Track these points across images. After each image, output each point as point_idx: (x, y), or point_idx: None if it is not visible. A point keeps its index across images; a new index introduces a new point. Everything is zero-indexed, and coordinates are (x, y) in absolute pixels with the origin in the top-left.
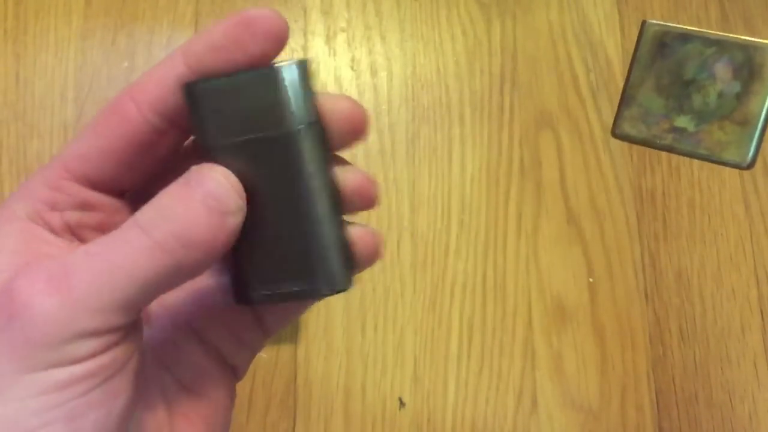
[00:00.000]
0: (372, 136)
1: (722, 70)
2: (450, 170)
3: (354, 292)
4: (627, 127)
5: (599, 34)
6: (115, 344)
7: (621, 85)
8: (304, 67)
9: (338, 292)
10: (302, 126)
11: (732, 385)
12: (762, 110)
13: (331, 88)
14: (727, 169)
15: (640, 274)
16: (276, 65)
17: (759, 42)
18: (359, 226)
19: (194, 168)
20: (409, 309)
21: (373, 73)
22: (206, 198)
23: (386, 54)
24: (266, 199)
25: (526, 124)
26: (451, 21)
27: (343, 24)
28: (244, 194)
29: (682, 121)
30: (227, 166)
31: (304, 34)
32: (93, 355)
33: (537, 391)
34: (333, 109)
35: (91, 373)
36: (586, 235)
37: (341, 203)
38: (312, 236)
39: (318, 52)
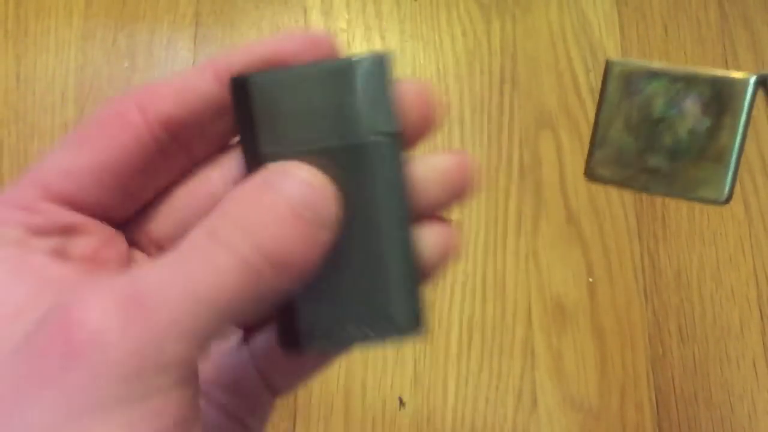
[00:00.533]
0: None
1: (691, 106)
2: None
3: None
4: (600, 170)
5: (599, 35)
6: (190, 382)
7: None
8: (384, 62)
9: (409, 336)
10: (378, 137)
11: (731, 385)
12: (734, 145)
13: None
14: None
15: (639, 274)
16: (351, 58)
17: (725, 76)
18: (441, 228)
19: (273, 166)
20: None
21: None
22: (297, 205)
23: None
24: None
25: (526, 124)
26: (451, 21)
27: (343, 24)
28: (340, 200)
29: (656, 161)
30: None
31: None
32: (173, 391)
33: (537, 391)
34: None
35: (169, 414)
36: (586, 235)
37: (412, 228)
38: (383, 273)
39: None
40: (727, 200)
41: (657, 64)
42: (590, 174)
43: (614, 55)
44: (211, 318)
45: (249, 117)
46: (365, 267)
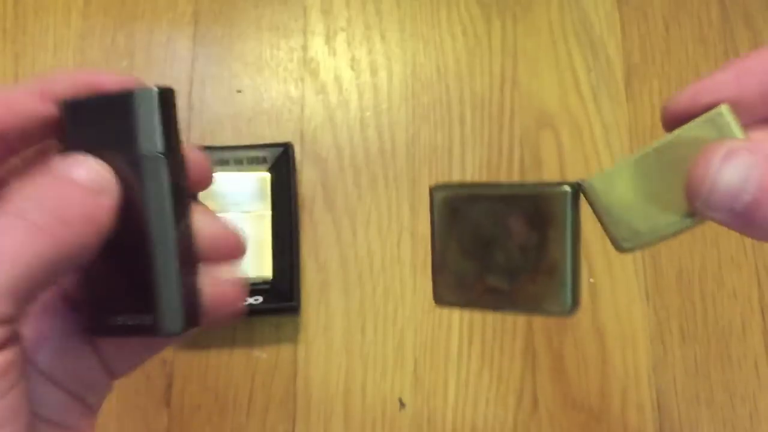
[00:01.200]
0: (372, 136)
1: (516, 224)
2: (450, 170)
3: (354, 292)
4: (446, 295)
5: (600, 34)
6: (8, 341)
7: (621, 84)
8: (156, 96)
9: (170, 335)
10: (151, 153)
11: (733, 386)
12: (565, 256)
13: (331, 87)
14: None
15: (640, 274)
16: (132, 91)
17: (542, 190)
18: (219, 277)
19: (55, 157)
20: (409, 309)
21: (373, 72)
22: (76, 179)
23: (386, 53)
24: (117, 224)
25: (526, 124)
26: (451, 20)
27: (343, 23)
28: (113, 177)
29: (495, 281)
30: None
31: (304, 34)
32: None
33: (537, 392)
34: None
35: None
36: (586, 235)
37: (193, 247)
38: (152, 271)
39: (318, 51)
40: (573, 310)
41: (476, 188)
42: (438, 300)
43: (615, 54)
44: (16, 274)
45: (69, 128)
46: (141, 265)
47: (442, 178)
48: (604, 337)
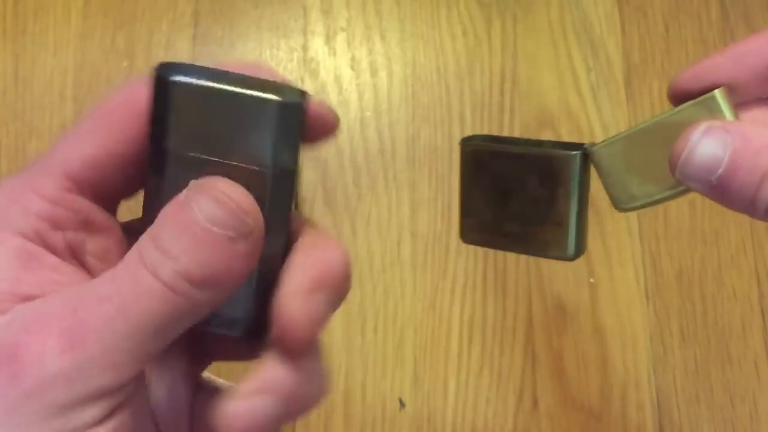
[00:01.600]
0: (372, 136)
1: (530, 180)
2: (450, 170)
3: (354, 292)
4: (470, 235)
5: (600, 34)
6: (125, 404)
7: (621, 84)
8: (303, 107)
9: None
10: (278, 170)
11: (733, 385)
12: (571, 211)
13: (331, 87)
14: None
15: (640, 274)
16: (276, 97)
17: (554, 152)
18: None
19: (193, 183)
20: (409, 309)
21: (373, 72)
22: (209, 222)
23: (386, 53)
24: None
25: (527, 123)
26: (451, 20)
27: (343, 23)
28: (256, 209)
29: (510, 226)
30: (177, 180)
31: (304, 34)
32: (103, 419)
33: (537, 391)
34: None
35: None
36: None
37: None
38: (252, 287)
39: (318, 51)
40: (576, 256)
41: (499, 145)
42: (464, 239)
43: (615, 53)
44: (143, 338)
45: (165, 111)
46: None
47: (442, 178)
48: (604, 337)
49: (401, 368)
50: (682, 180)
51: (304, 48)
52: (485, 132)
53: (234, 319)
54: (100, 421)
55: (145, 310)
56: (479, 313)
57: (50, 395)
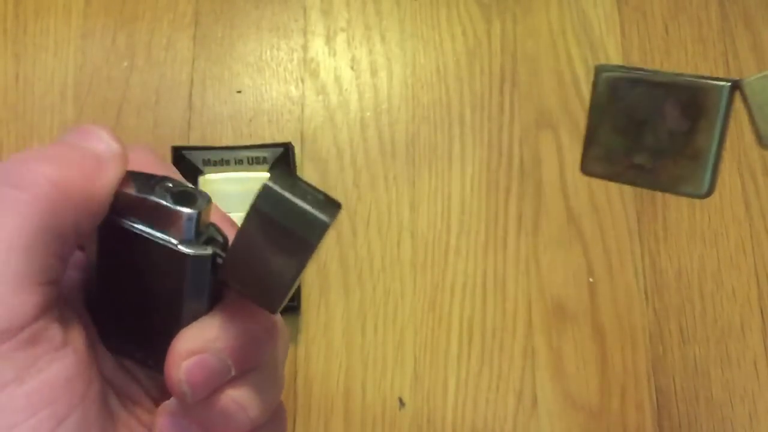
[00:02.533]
0: (372, 136)
1: (670, 110)
2: (450, 170)
3: (354, 292)
4: (593, 166)
5: (599, 34)
6: (37, 337)
7: None
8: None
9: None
10: (199, 255)
11: (732, 385)
12: (711, 146)
13: (331, 87)
14: (727, 168)
15: (640, 273)
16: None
17: (702, 82)
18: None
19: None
20: (409, 309)
21: (373, 72)
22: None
23: (386, 54)
24: (141, 283)
25: (526, 124)
26: (451, 21)
27: (343, 24)
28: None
29: (640, 158)
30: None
31: (304, 34)
32: (20, 354)
33: (537, 391)
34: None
35: (20, 376)
36: (586, 235)
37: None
38: (163, 331)
39: (318, 51)
40: (708, 194)
41: (639, 72)
42: (584, 169)
43: (615, 54)
44: (20, 266)
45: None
46: (157, 323)
47: (442, 179)
48: (604, 337)
49: (401, 368)
50: None
51: (304, 48)
52: (484, 132)
53: (146, 357)
54: (25, 371)
55: (4, 231)
56: (479, 313)
57: None
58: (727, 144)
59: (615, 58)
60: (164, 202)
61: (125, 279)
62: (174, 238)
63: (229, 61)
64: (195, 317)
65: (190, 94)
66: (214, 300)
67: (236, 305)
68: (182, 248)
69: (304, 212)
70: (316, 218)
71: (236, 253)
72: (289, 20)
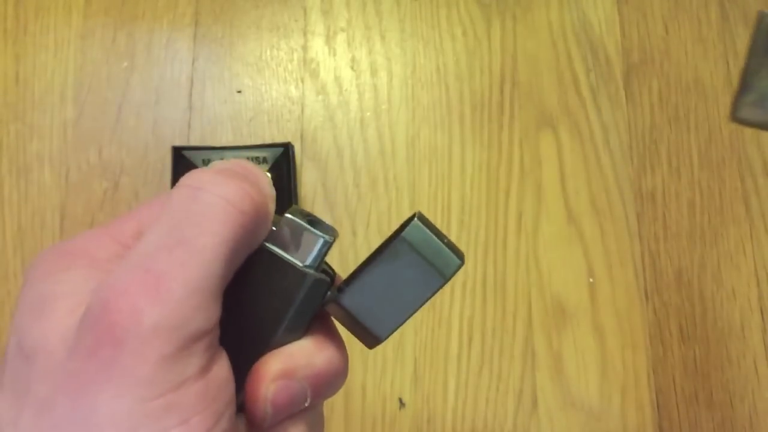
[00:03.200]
0: (372, 136)
1: None
2: (450, 170)
3: None
4: (745, 112)
5: (599, 34)
6: (220, 353)
7: (621, 84)
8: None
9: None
10: (318, 276)
11: (732, 385)
12: None
13: (331, 88)
14: (727, 169)
15: (640, 274)
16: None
17: None
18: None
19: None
20: None
21: (373, 72)
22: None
23: (386, 54)
24: (253, 297)
25: (526, 124)
26: (451, 21)
27: (343, 24)
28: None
29: None
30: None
31: (304, 34)
32: (206, 366)
33: (537, 391)
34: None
35: (202, 374)
36: (586, 235)
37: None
38: (252, 349)
39: (318, 51)
40: None
41: None
42: (735, 116)
43: (614, 54)
44: (217, 275)
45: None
46: (249, 336)
47: (442, 179)
48: (604, 337)
49: (401, 368)
50: None
51: (305, 48)
52: (484, 132)
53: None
54: (205, 368)
55: (214, 238)
56: (479, 313)
57: (156, 348)
58: (727, 144)
59: (615, 58)
60: (305, 224)
61: (239, 293)
62: (299, 260)
63: (229, 61)
64: (287, 341)
65: (190, 94)
66: (307, 329)
67: (325, 338)
68: (305, 270)
69: (443, 251)
70: (452, 258)
71: (365, 278)
72: (289, 20)
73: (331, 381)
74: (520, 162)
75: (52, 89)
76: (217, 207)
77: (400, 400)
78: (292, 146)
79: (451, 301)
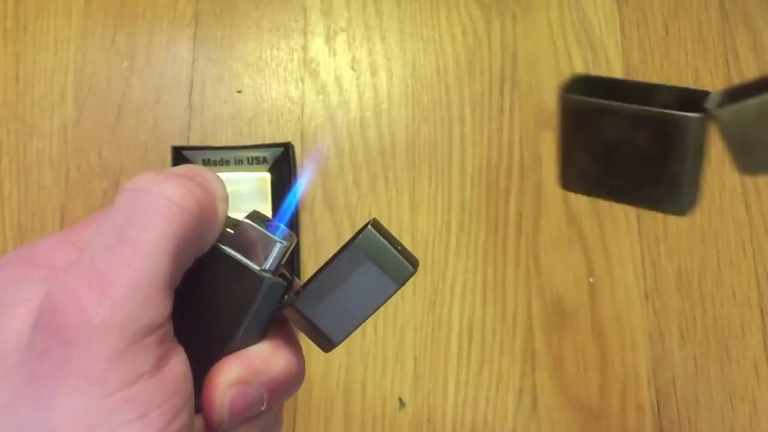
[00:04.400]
0: (372, 136)
1: (641, 139)
2: (450, 170)
3: None
4: (571, 184)
5: (599, 34)
6: (173, 349)
7: None
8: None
9: None
10: (275, 281)
11: (732, 385)
12: (686, 172)
13: (331, 87)
14: (727, 168)
15: (640, 274)
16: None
17: (669, 114)
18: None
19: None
20: (409, 309)
21: (373, 72)
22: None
23: (386, 54)
24: (210, 301)
25: (526, 124)
26: (451, 21)
27: (343, 24)
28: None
29: (617, 181)
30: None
31: (304, 34)
32: (159, 361)
33: (537, 391)
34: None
35: (157, 369)
36: (586, 236)
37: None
38: (210, 352)
39: (318, 51)
40: (689, 212)
41: (604, 102)
42: (564, 186)
43: (615, 54)
44: (163, 272)
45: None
46: (206, 340)
47: (442, 179)
48: (604, 337)
49: (401, 368)
50: None
51: (305, 48)
52: (484, 132)
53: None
54: (159, 363)
55: (157, 236)
56: (479, 313)
57: (106, 345)
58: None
59: (615, 58)
60: (262, 229)
61: (196, 295)
62: (257, 264)
63: (229, 61)
64: (245, 344)
65: (190, 94)
66: (264, 333)
67: (283, 342)
68: (263, 274)
69: (396, 258)
70: (405, 266)
71: (320, 283)
72: (289, 20)
73: (287, 386)
74: (520, 162)
75: (52, 89)
76: (158, 205)
77: (400, 400)
78: (292, 146)
79: (451, 301)
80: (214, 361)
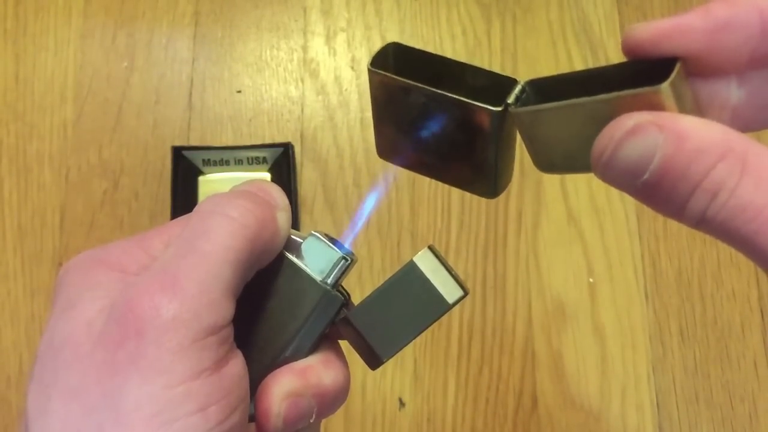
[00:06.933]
0: (372, 136)
1: (447, 122)
2: None
3: (354, 293)
4: (385, 154)
5: (599, 34)
6: (233, 350)
7: None
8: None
9: None
10: (333, 292)
11: (732, 385)
12: (491, 159)
13: (331, 87)
14: None
15: (640, 273)
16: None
17: (470, 104)
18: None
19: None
20: None
21: None
22: (260, 192)
23: None
24: (269, 306)
25: None
26: (451, 21)
27: (343, 24)
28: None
29: (429, 159)
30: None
31: (304, 34)
32: (221, 359)
33: (537, 391)
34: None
35: (218, 367)
36: (586, 235)
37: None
38: (264, 357)
39: (318, 51)
40: (497, 195)
41: (410, 82)
42: (380, 155)
43: (615, 54)
44: (228, 274)
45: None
46: (263, 344)
47: None
48: (604, 337)
49: (401, 368)
50: (603, 180)
51: (304, 48)
52: None
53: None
54: (220, 362)
55: (222, 247)
56: (479, 313)
57: (174, 339)
58: None
59: (615, 58)
60: (328, 242)
61: (258, 304)
62: (318, 276)
63: (229, 61)
64: (298, 354)
65: (190, 94)
66: (316, 347)
67: (334, 357)
68: (324, 285)
69: (449, 280)
70: (458, 288)
71: (375, 300)
72: (289, 20)
73: (335, 400)
74: (520, 162)
75: (52, 89)
76: (222, 223)
77: (400, 400)
78: (292, 146)
79: None
80: (268, 368)
